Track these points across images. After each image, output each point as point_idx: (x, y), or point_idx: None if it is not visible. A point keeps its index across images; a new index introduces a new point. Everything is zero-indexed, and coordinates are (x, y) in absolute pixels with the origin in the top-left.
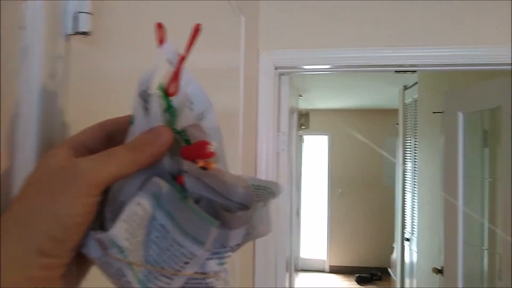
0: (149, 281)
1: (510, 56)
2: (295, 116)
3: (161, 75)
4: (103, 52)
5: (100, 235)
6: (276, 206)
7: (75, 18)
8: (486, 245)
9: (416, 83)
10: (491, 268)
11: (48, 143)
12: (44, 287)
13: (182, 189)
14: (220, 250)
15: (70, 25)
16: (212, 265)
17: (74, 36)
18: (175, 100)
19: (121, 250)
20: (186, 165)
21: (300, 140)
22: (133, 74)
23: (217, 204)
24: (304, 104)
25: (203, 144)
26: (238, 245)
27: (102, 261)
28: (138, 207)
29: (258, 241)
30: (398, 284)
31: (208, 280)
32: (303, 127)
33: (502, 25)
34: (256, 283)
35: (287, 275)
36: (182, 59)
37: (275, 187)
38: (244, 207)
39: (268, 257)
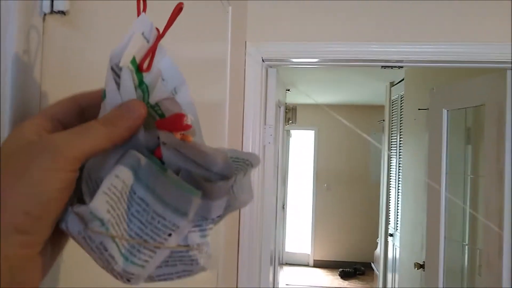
0: (132, 255)
1: (496, 53)
2: (282, 109)
3: (134, 49)
4: (79, 32)
5: (80, 208)
6: (261, 199)
7: None
8: (467, 241)
9: (403, 79)
10: (471, 264)
11: (22, 114)
12: (22, 265)
13: (160, 162)
14: (202, 222)
15: (48, 4)
16: (195, 238)
17: (50, 15)
18: (147, 76)
19: (103, 223)
20: (164, 136)
21: (287, 134)
22: (107, 55)
23: (197, 175)
24: (291, 99)
25: (179, 116)
26: (220, 217)
27: (83, 235)
28: (117, 180)
29: (243, 234)
30: (380, 279)
31: (191, 253)
32: (290, 121)
33: (489, 22)
34: (240, 275)
35: (271, 268)
36: (160, 36)
37: (253, 158)
38: (224, 177)
39: (253, 250)
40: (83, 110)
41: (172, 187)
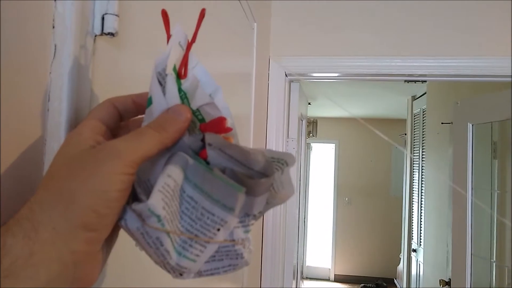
0: (185, 250)
1: None
2: (304, 123)
3: (174, 58)
4: (126, 52)
5: (138, 205)
6: (284, 213)
7: (102, 19)
8: (494, 258)
9: (425, 93)
10: (499, 282)
11: (76, 119)
12: (85, 260)
13: (205, 162)
14: (245, 218)
15: (98, 25)
16: (239, 233)
17: (100, 36)
18: (184, 83)
19: (159, 219)
20: (210, 138)
21: (308, 147)
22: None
23: (240, 173)
24: (312, 112)
25: (221, 120)
26: (261, 213)
27: (141, 231)
28: (169, 179)
29: (266, 247)
30: None
31: (237, 247)
32: (311, 134)
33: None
34: (264, 286)
35: (294, 282)
36: (190, 43)
37: (288, 157)
38: (265, 175)
39: (276, 263)
40: (121, 114)
41: (219, 184)
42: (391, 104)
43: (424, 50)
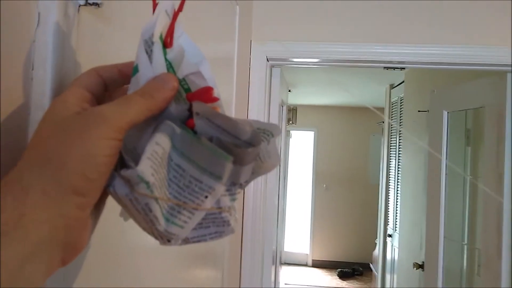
0: (173, 216)
1: (496, 56)
2: (285, 110)
3: (160, 26)
4: (111, 23)
5: (127, 172)
6: (264, 199)
7: None
8: (466, 241)
9: (403, 82)
10: (470, 264)
11: (61, 86)
12: (76, 225)
13: (192, 132)
14: (231, 187)
15: None
16: (226, 201)
17: (85, 6)
18: (170, 52)
19: (148, 185)
20: (198, 106)
21: (287, 135)
22: (136, 46)
23: (228, 142)
24: (292, 100)
25: (208, 89)
26: (247, 182)
27: (130, 198)
28: (157, 147)
29: (246, 233)
30: (379, 280)
31: (224, 214)
32: (290, 122)
33: (489, 25)
34: (243, 275)
35: (273, 268)
36: (177, 12)
37: (273, 128)
38: (251, 145)
39: (255, 249)
40: (105, 82)
41: (207, 153)
42: (370, 92)
43: (403, 37)
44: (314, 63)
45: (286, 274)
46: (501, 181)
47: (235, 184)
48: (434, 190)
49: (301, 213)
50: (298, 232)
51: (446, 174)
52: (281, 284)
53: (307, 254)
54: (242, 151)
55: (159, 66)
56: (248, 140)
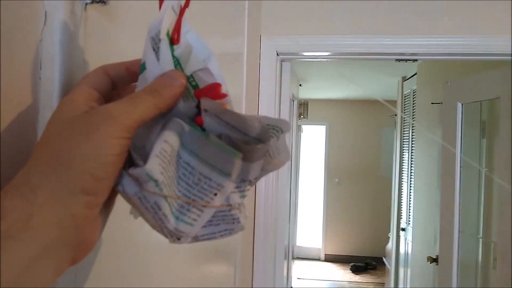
0: (182, 214)
1: (510, 46)
2: (295, 104)
3: (167, 22)
4: (119, 20)
5: (136, 170)
6: (276, 194)
7: None
8: (481, 234)
9: (415, 74)
10: (485, 257)
11: (69, 81)
12: (85, 224)
13: (200, 129)
14: (241, 184)
15: None
16: (236, 198)
17: (91, 4)
18: (177, 49)
19: (157, 184)
20: (206, 103)
21: (298, 129)
22: (143, 43)
23: (236, 139)
24: (303, 94)
25: (216, 85)
26: (256, 179)
27: (139, 196)
28: (166, 144)
29: (258, 228)
30: (392, 274)
31: (233, 212)
32: (301, 116)
33: (503, 15)
34: (255, 270)
35: (285, 262)
36: (183, 8)
37: (282, 124)
38: (261, 141)
39: (268, 244)
40: (113, 80)
41: (216, 150)
42: (382, 85)
43: (415, 29)
44: (324, 57)
45: (299, 268)
46: None
47: (244, 181)
48: (448, 183)
49: (314, 208)
50: (310, 226)
51: (460, 167)
52: (294, 279)
53: (319, 249)
54: (251, 147)
55: (167, 63)
56: (257, 136)
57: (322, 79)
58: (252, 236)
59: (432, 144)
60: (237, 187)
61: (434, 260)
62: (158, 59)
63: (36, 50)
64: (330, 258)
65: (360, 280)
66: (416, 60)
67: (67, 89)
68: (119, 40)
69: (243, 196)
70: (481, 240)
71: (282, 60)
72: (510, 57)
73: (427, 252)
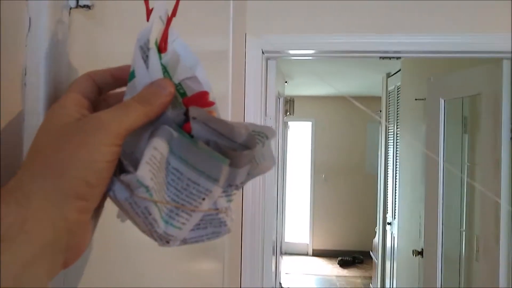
0: (171, 218)
1: (492, 43)
2: (282, 101)
3: (155, 32)
4: (103, 26)
5: (127, 176)
6: (263, 191)
7: None
8: (464, 227)
9: (399, 70)
10: (468, 249)
11: (54, 87)
12: (77, 228)
13: (188, 136)
14: (228, 188)
15: None
16: (223, 202)
17: (76, 9)
18: (164, 57)
19: (147, 189)
20: (194, 111)
21: (285, 126)
22: (129, 48)
23: (224, 145)
24: (289, 91)
25: (204, 94)
26: (242, 183)
27: (129, 202)
28: (155, 151)
29: (245, 225)
30: (379, 267)
31: (220, 215)
32: (288, 113)
33: (485, 12)
34: (243, 265)
35: (273, 258)
36: (171, 18)
37: (268, 131)
38: (247, 148)
39: (255, 241)
40: (100, 87)
41: (204, 156)
42: (367, 81)
43: (399, 27)
44: (309, 55)
45: (288, 264)
46: (498, 166)
47: (231, 186)
48: (432, 178)
49: (301, 204)
50: (298, 222)
51: (444, 161)
52: (282, 274)
53: (307, 244)
54: (238, 154)
55: (156, 72)
56: (244, 143)
57: (308, 76)
58: (240, 233)
59: (417, 139)
60: (224, 192)
61: (419, 253)
62: (147, 67)
63: (21, 56)
64: (318, 253)
65: (347, 274)
66: (400, 57)
67: (53, 95)
68: (104, 44)
69: (229, 200)
70: (464, 233)
71: (268, 58)
72: (491, 54)
73: (413, 246)
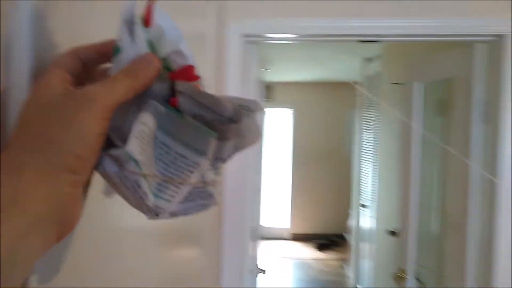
0: (161, 191)
1: (466, 27)
2: (262, 87)
3: (140, 7)
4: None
5: (117, 151)
6: (244, 176)
7: None
8: (437, 206)
9: (379, 55)
10: (442, 227)
11: (39, 64)
12: (70, 203)
13: (174, 110)
14: (215, 162)
15: None
16: (210, 175)
17: None
18: (149, 32)
19: (137, 164)
20: (181, 86)
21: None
22: (113, 23)
23: (210, 119)
24: (268, 77)
25: (190, 68)
26: (229, 157)
27: (119, 175)
28: (143, 126)
29: (225, 211)
30: (353, 248)
31: (208, 188)
32: (268, 99)
33: None
34: (222, 251)
35: (252, 243)
36: None
37: (254, 104)
38: (233, 121)
39: (234, 225)
40: (84, 62)
41: (191, 130)
42: (346, 67)
43: (379, 11)
44: (290, 39)
45: (267, 248)
46: (468, 147)
47: (218, 159)
48: (407, 159)
49: (282, 189)
50: (278, 207)
51: (419, 143)
52: (261, 258)
53: (286, 228)
54: (225, 127)
55: (141, 46)
56: (230, 116)
57: (288, 62)
58: (218, 218)
59: (394, 123)
60: (211, 165)
61: (394, 233)
62: (133, 42)
63: (4, 31)
64: (296, 237)
65: (325, 257)
66: (378, 41)
67: (37, 70)
68: (88, 18)
69: (217, 174)
70: (437, 211)
71: (248, 43)
72: (464, 38)
73: (387, 226)
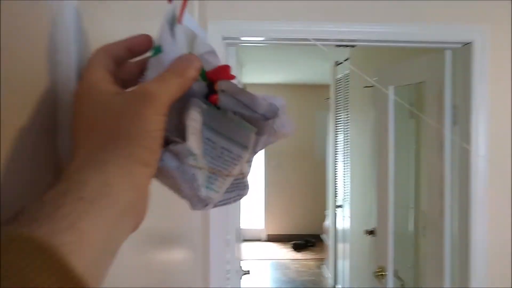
0: (211, 183)
1: (437, 34)
2: None
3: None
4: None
5: (177, 146)
6: None
7: None
8: (412, 205)
9: (347, 59)
10: (417, 226)
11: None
12: (146, 193)
13: (215, 107)
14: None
15: None
16: (246, 167)
17: None
18: (188, 34)
19: (195, 158)
20: (223, 84)
21: None
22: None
23: (247, 116)
24: (242, 79)
25: (226, 67)
26: (261, 149)
27: (178, 170)
28: (194, 122)
29: (212, 211)
30: (331, 249)
31: (245, 179)
32: None
33: (435, 4)
34: (210, 253)
35: (237, 244)
36: None
37: (280, 102)
38: (267, 117)
39: (221, 227)
40: (118, 61)
41: (233, 125)
42: (316, 70)
43: (353, 16)
44: (266, 42)
45: (244, 249)
46: (442, 148)
47: (252, 152)
48: (383, 161)
49: (255, 191)
50: (252, 209)
51: (393, 145)
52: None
53: (262, 230)
54: (262, 123)
55: (183, 47)
56: (264, 113)
57: (260, 64)
58: (206, 220)
59: (366, 125)
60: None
61: (371, 232)
62: (174, 42)
63: (51, 34)
64: (272, 238)
65: (301, 257)
66: (354, 46)
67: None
68: (108, 21)
69: (250, 166)
70: (412, 210)
71: (228, 45)
72: (435, 44)
73: (364, 226)
